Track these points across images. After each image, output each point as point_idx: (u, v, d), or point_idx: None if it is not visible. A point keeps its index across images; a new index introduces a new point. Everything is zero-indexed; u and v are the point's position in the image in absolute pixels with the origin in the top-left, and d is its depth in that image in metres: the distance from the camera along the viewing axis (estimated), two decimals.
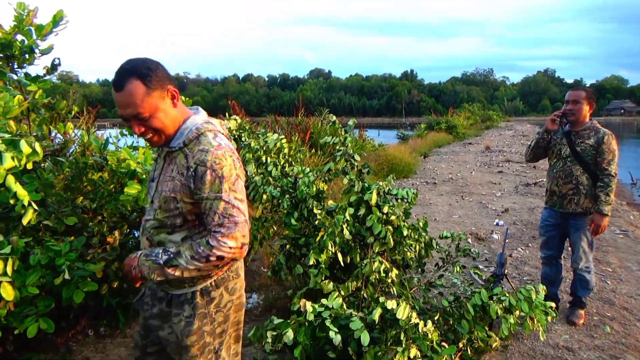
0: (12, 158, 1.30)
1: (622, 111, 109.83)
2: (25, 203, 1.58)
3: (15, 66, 2.35)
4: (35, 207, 1.71)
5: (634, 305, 3.95)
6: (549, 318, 3.07)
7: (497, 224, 6.32)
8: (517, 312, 2.93)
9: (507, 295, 2.93)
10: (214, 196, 1.51)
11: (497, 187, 9.33)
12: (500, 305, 2.89)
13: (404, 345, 2.35)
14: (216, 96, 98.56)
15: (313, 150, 8.24)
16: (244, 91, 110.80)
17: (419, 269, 3.51)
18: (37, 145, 1.32)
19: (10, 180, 1.26)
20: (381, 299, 2.58)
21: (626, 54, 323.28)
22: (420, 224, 3.53)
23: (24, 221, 1.69)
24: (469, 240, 5.60)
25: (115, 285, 2.62)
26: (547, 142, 3.59)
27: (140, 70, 1.44)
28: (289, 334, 2.42)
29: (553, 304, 3.06)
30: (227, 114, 7.37)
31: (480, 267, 4.66)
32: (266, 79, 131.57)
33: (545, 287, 3.60)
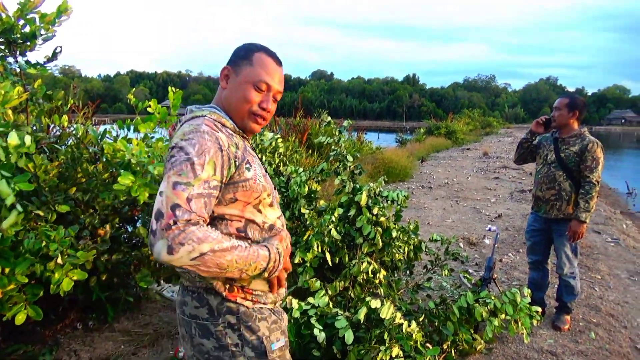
0: None
1: (623, 121, 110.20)
2: (9, 203, 1.54)
3: (17, 52, 2.38)
4: (20, 209, 1.70)
5: (620, 313, 3.99)
6: (534, 322, 3.10)
7: (489, 229, 6.34)
8: (502, 315, 2.96)
9: (493, 298, 2.97)
10: None
11: (492, 192, 9.38)
12: (486, 307, 2.93)
13: (387, 345, 2.38)
14: None
15: (310, 152, 8.27)
16: None
17: (408, 271, 3.55)
18: (27, 138, 1.33)
19: None
20: (367, 299, 2.62)
21: (630, 64, 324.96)
22: (411, 226, 3.57)
23: (5, 226, 1.65)
24: (461, 244, 5.64)
25: (104, 279, 2.65)
26: (532, 144, 3.68)
27: None
28: None
29: (538, 308, 3.10)
30: None
31: (470, 271, 4.70)
32: None
33: (531, 292, 3.65)
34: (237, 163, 1.31)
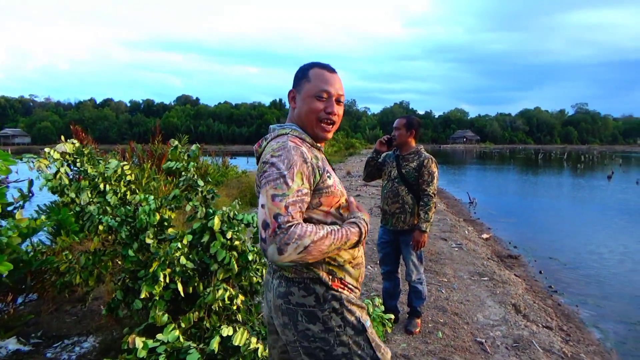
0: None
1: (465, 139, 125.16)
2: None
3: None
4: None
5: (463, 310, 4.40)
6: (387, 329, 3.28)
7: None
8: None
9: None
10: None
11: None
12: None
13: None
14: (69, 121, 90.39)
15: (170, 178, 7.89)
16: (103, 117, 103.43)
17: None
18: None
19: None
20: (224, 328, 2.51)
21: (467, 90, 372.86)
22: None
23: None
24: None
25: None
26: (378, 162, 3.91)
27: None
28: None
29: (391, 315, 3.28)
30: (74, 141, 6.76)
31: None
32: (128, 105, 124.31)
33: (385, 300, 3.85)
34: (320, 172, 1.55)
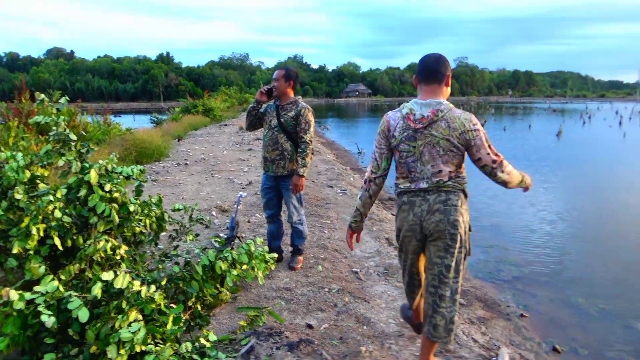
0: None
1: (357, 93, 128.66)
2: None
3: None
4: None
5: (343, 247, 4.85)
6: (271, 266, 3.55)
7: (240, 196, 6.81)
8: (244, 265, 3.30)
9: (231, 251, 3.27)
10: None
11: (245, 163, 9.99)
12: (225, 261, 3.22)
13: (125, 312, 2.43)
14: None
15: (44, 137, 7.35)
16: None
17: (153, 243, 3.60)
18: None
19: None
20: (104, 273, 2.58)
21: (359, 44, 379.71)
22: (153, 200, 3.60)
23: None
24: (214, 212, 5.93)
25: None
26: (259, 112, 4.06)
27: None
28: None
29: (274, 255, 3.55)
30: None
31: (222, 235, 5.00)
32: None
33: (270, 241, 4.13)
34: None
